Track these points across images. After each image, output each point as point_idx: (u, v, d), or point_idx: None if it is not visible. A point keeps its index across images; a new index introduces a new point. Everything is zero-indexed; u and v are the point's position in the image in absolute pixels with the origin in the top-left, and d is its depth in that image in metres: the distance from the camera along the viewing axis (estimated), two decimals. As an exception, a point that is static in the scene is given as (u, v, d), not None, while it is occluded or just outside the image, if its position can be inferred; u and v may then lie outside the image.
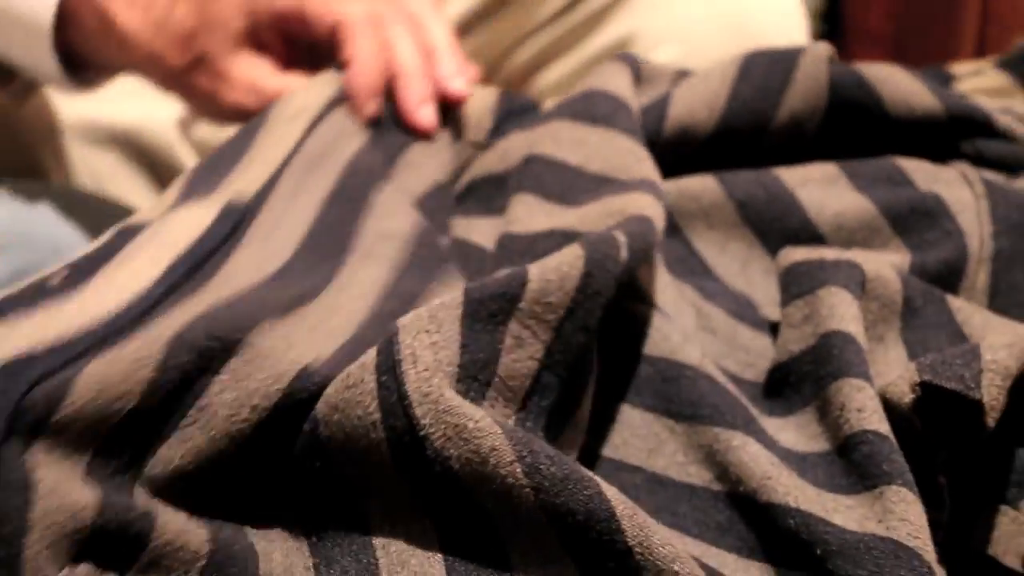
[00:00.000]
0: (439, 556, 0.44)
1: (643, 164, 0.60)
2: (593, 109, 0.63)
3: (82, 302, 0.50)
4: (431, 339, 0.45)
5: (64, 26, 0.76)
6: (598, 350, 0.54)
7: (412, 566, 0.44)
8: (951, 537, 0.51)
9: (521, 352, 0.48)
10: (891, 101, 0.65)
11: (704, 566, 0.45)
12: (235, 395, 0.46)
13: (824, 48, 0.66)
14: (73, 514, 0.40)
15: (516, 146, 0.64)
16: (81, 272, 0.52)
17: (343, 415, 0.44)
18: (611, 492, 0.42)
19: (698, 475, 0.50)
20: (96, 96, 0.91)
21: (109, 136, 0.96)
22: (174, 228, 0.56)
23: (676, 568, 0.41)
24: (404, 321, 0.46)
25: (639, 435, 0.52)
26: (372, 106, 0.67)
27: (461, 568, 0.43)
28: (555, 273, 0.48)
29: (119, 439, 0.44)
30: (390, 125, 0.67)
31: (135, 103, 0.82)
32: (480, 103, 0.68)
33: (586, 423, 0.51)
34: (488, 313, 0.47)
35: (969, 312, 0.55)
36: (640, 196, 0.56)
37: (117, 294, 0.50)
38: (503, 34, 1.12)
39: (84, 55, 0.78)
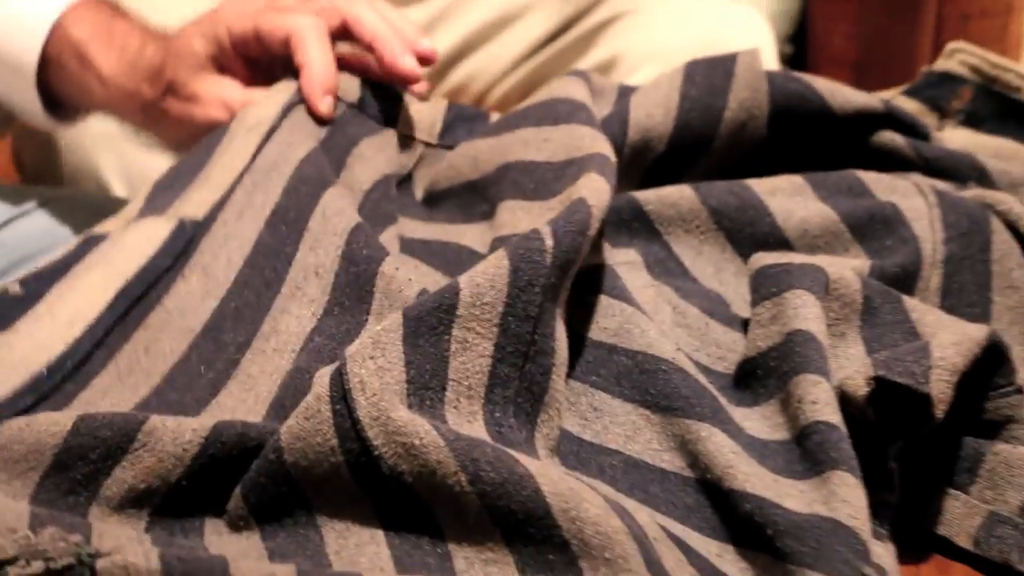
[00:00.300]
0: (387, 553, 0.45)
1: (598, 142, 0.60)
2: (555, 112, 0.63)
3: (30, 333, 0.51)
4: (376, 364, 0.46)
5: (46, 69, 0.77)
6: (582, 346, 0.55)
7: (363, 553, 0.45)
8: (907, 518, 0.52)
9: (469, 353, 0.48)
10: (830, 94, 0.65)
11: (671, 535, 0.47)
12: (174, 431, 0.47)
13: (754, 49, 0.66)
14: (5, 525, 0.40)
15: (486, 154, 0.64)
16: (40, 282, 0.53)
17: (305, 443, 0.45)
18: (548, 489, 0.43)
19: (670, 461, 0.50)
20: None
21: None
22: (128, 245, 0.57)
23: (607, 556, 0.42)
24: (351, 351, 0.47)
25: (618, 422, 0.52)
26: (326, 104, 0.67)
27: (408, 561, 0.44)
28: (483, 277, 0.49)
29: (65, 465, 0.45)
30: (343, 123, 0.67)
31: None
32: (431, 109, 0.68)
33: (561, 404, 0.52)
34: (428, 327, 0.48)
35: (922, 312, 0.55)
36: (587, 178, 0.56)
37: (63, 330, 0.52)
38: (499, 57, 1.13)
39: (64, 95, 0.79)
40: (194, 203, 0.60)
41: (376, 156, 0.66)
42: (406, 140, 0.68)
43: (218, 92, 0.73)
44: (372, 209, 0.63)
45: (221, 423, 0.47)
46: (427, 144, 0.68)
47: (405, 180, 0.69)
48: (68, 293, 0.54)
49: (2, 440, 0.46)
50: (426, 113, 0.69)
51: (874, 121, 0.66)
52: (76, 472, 0.45)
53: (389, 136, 0.67)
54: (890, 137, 0.66)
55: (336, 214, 0.59)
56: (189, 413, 0.51)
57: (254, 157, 0.62)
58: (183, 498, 0.46)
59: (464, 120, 0.71)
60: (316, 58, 0.68)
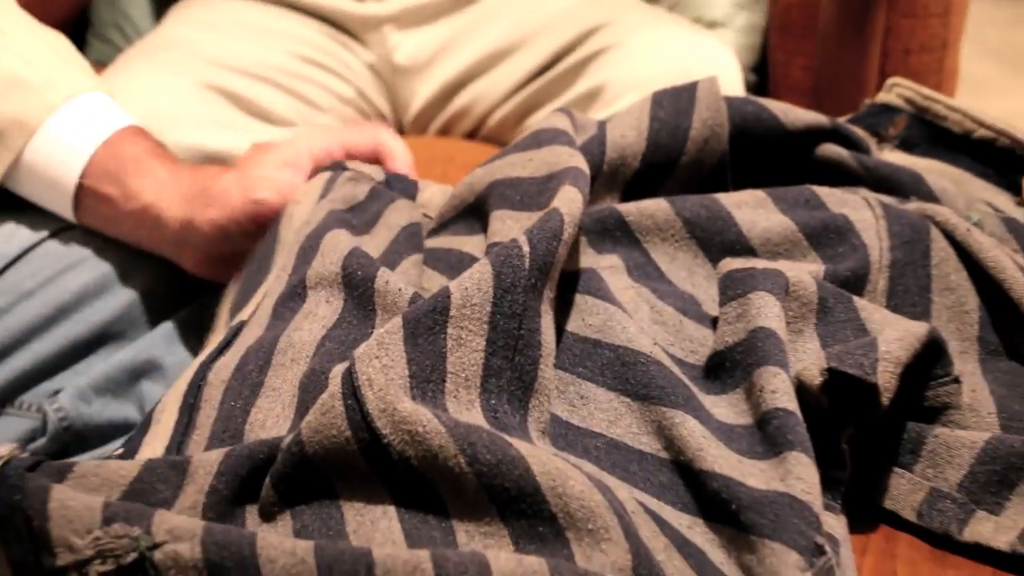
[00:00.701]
0: (399, 527, 0.46)
1: (574, 158, 0.60)
2: (539, 139, 0.63)
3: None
4: (381, 363, 0.47)
5: (82, 194, 0.75)
6: (571, 341, 0.55)
7: (377, 529, 0.46)
8: (857, 494, 0.53)
9: (465, 349, 0.49)
10: (783, 113, 0.66)
11: (648, 510, 0.47)
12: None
13: (712, 77, 0.67)
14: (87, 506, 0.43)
15: (480, 179, 0.64)
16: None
17: (322, 435, 0.46)
18: (538, 469, 0.44)
19: (648, 444, 0.51)
20: (190, 130, 0.93)
21: (203, 156, 0.95)
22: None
23: (590, 527, 0.43)
24: (358, 352, 0.48)
25: (602, 409, 0.53)
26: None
27: (416, 534, 0.45)
28: (470, 281, 0.50)
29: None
30: (374, 195, 0.69)
31: (222, 135, 0.81)
32: (441, 191, 0.70)
33: (550, 390, 0.52)
34: (425, 328, 0.49)
35: (871, 311, 0.56)
36: (563, 190, 0.56)
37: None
38: (498, 84, 1.14)
39: (97, 217, 0.76)
40: (248, 310, 0.61)
41: (400, 217, 0.67)
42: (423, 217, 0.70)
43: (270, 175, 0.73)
44: (404, 241, 0.64)
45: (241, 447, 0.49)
46: (429, 218, 0.69)
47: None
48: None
49: (79, 472, 0.47)
50: (437, 194, 0.70)
51: (821, 136, 0.67)
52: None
53: (409, 205, 0.69)
54: (836, 151, 0.67)
55: (331, 250, 0.59)
56: (230, 442, 0.51)
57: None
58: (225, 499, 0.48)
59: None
60: (403, 151, 0.73)
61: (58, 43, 0.79)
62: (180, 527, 0.42)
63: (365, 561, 0.41)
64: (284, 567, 0.41)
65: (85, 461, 0.48)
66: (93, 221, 0.76)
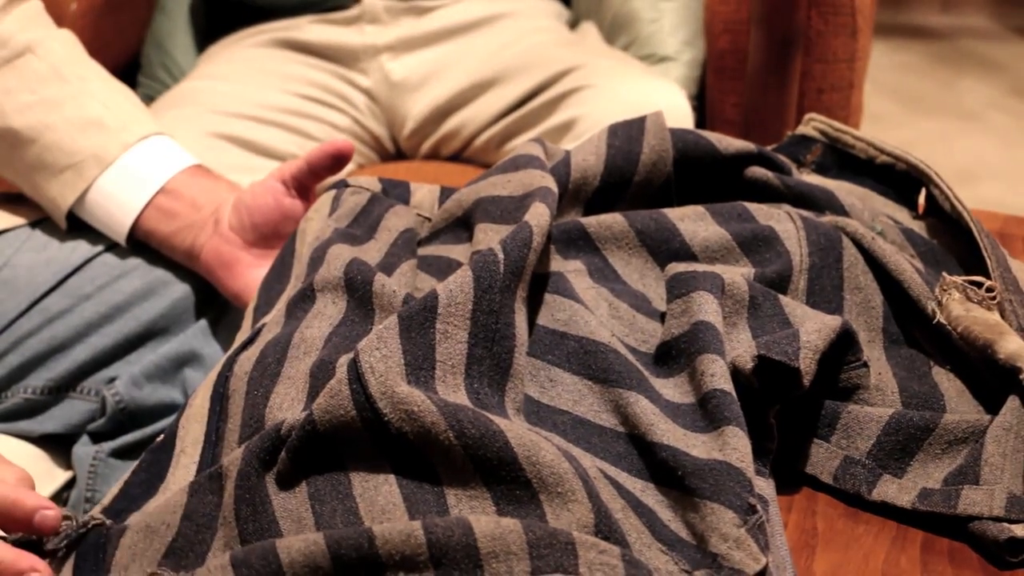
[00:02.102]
0: (398, 491, 0.45)
1: (545, 179, 0.60)
2: (516, 163, 0.63)
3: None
4: (381, 353, 0.47)
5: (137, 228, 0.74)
6: (541, 333, 0.55)
7: (379, 493, 0.45)
8: (783, 461, 0.52)
9: (451, 341, 0.49)
10: (718, 141, 0.65)
11: (607, 476, 0.47)
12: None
13: (658, 112, 0.67)
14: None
15: (467, 196, 0.64)
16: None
17: (332, 415, 0.46)
18: (515, 441, 0.44)
19: (607, 420, 0.51)
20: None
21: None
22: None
23: (559, 490, 0.43)
24: (361, 345, 0.48)
25: (568, 390, 0.52)
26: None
27: (413, 497, 0.45)
28: (454, 285, 0.50)
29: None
30: (373, 203, 0.68)
31: (231, 177, 0.81)
32: (430, 192, 0.69)
33: (524, 375, 0.52)
34: (417, 324, 0.49)
35: (793, 307, 0.56)
36: (534, 207, 0.56)
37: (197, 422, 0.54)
38: (482, 111, 1.13)
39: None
40: (271, 315, 0.60)
41: (399, 221, 0.66)
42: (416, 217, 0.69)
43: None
44: (402, 246, 0.63)
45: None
46: (428, 219, 0.68)
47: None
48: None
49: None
50: (427, 195, 0.69)
51: (750, 160, 0.67)
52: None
53: (406, 210, 0.68)
54: (762, 172, 0.66)
55: (335, 259, 0.59)
56: (255, 426, 0.51)
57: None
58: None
59: (448, 194, 0.71)
60: (343, 140, 0.71)
61: (129, 93, 0.80)
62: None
63: (367, 535, 0.41)
64: (299, 551, 0.41)
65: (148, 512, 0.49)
66: (147, 241, 0.76)
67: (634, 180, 0.65)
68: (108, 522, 0.48)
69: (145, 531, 0.46)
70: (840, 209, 0.64)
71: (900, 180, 0.69)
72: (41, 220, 0.78)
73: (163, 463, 0.52)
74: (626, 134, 0.65)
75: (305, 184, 0.71)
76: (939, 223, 0.67)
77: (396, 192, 0.70)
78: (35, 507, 0.46)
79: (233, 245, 0.71)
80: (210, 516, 0.47)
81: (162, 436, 0.53)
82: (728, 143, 0.66)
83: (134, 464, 0.53)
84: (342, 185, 0.69)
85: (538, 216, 0.55)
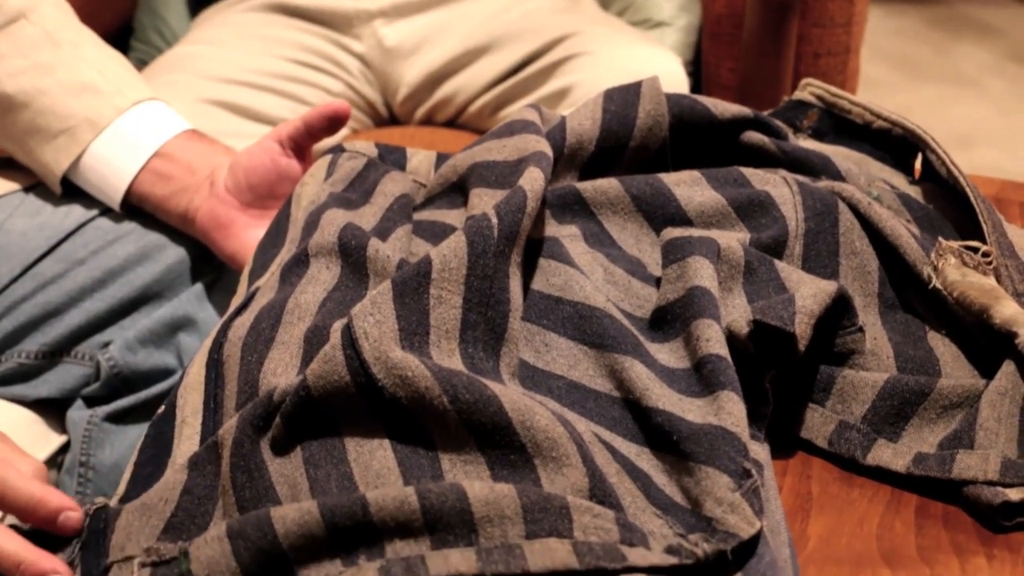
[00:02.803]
0: (392, 456, 0.45)
1: (540, 144, 0.59)
2: (511, 128, 0.63)
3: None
4: (375, 318, 0.47)
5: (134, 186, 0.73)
6: (536, 298, 0.54)
7: (374, 458, 0.45)
8: (778, 426, 0.52)
9: (445, 306, 0.49)
10: (714, 105, 0.65)
11: (602, 440, 0.47)
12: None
13: (654, 76, 0.66)
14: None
15: (462, 161, 0.63)
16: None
17: (326, 380, 0.46)
18: (509, 406, 0.44)
19: (602, 385, 0.51)
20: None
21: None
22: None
23: (554, 455, 0.43)
24: (355, 310, 0.47)
25: (563, 355, 0.52)
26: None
27: (408, 462, 0.45)
28: (448, 249, 0.49)
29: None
30: (369, 167, 0.67)
31: (226, 143, 0.80)
32: (426, 158, 0.68)
33: (518, 340, 0.52)
34: (411, 289, 0.48)
35: (789, 272, 0.55)
36: (528, 171, 0.55)
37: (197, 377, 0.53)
38: (476, 77, 1.12)
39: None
40: (264, 278, 0.59)
41: (395, 187, 0.66)
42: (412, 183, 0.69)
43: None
44: (398, 211, 0.63)
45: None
46: (419, 183, 0.67)
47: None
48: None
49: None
50: (423, 160, 0.69)
51: (746, 125, 0.66)
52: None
53: (402, 176, 0.67)
54: (758, 137, 0.66)
55: (329, 224, 0.58)
56: (250, 392, 0.50)
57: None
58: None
59: (444, 159, 0.70)
60: (340, 102, 0.70)
61: (122, 59, 0.79)
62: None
63: (361, 502, 0.41)
64: (294, 520, 0.41)
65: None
66: (141, 205, 0.75)
67: (630, 145, 0.65)
68: (109, 503, 0.48)
69: (140, 509, 0.46)
70: (836, 174, 0.64)
71: (897, 145, 0.69)
72: (34, 185, 0.77)
73: (167, 436, 0.52)
74: (622, 99, 0.65)
75: (301, 145, 0.71)
76: (935, 188, 0.66)
77: (392, 157, 0.69)
78: (59, 507, 0.46)
79: (229, 206, 0.71)
80: (210, 487, 0.47)
81: (162, 408, 0.53)
82: (724, 108, 0.65)
83: (128, 428, 0.53)
84: (338, 150, 0.68)
85: (533, 181, 0.54)
